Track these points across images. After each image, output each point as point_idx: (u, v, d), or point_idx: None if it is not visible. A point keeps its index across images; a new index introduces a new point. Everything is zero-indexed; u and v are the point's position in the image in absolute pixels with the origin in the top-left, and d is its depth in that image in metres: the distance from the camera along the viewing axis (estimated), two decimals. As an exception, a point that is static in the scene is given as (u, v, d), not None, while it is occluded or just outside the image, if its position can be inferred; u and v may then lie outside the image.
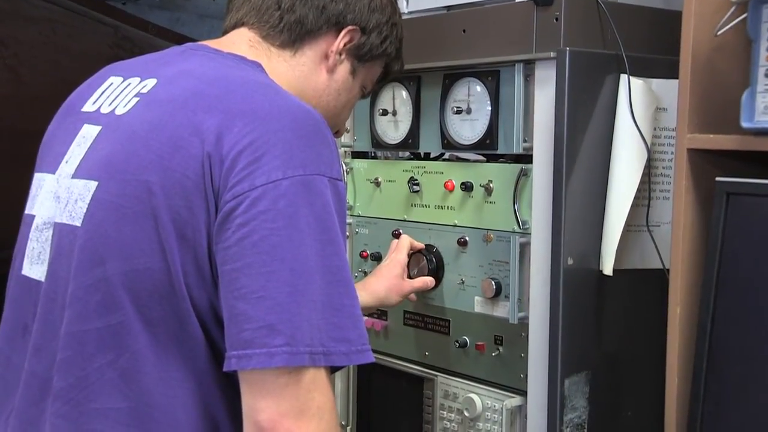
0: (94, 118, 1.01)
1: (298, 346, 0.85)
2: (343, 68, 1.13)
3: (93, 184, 0.94)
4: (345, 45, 1.11)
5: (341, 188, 0.93)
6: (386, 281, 1.36)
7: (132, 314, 0.90)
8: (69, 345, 0.93)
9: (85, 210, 0.94)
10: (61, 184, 0.99)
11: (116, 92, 1.02)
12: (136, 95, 0.98)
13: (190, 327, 0.91)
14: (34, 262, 1.00)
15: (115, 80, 1.05)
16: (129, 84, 1.01)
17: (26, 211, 1.06)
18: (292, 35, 1.08)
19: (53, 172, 1.01)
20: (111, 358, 0.91)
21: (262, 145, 0.88)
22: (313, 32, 1.09)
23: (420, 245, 1.43)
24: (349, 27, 1.11)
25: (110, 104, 1.01)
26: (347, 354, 0.88)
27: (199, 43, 1.09)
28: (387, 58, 1.20)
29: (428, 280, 1.41)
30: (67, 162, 1.00)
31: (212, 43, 1.07)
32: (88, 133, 1.00)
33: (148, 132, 0.93)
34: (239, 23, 1.10)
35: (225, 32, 1.12)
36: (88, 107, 1.04)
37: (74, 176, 0.97)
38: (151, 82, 0.99)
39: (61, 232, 0.97)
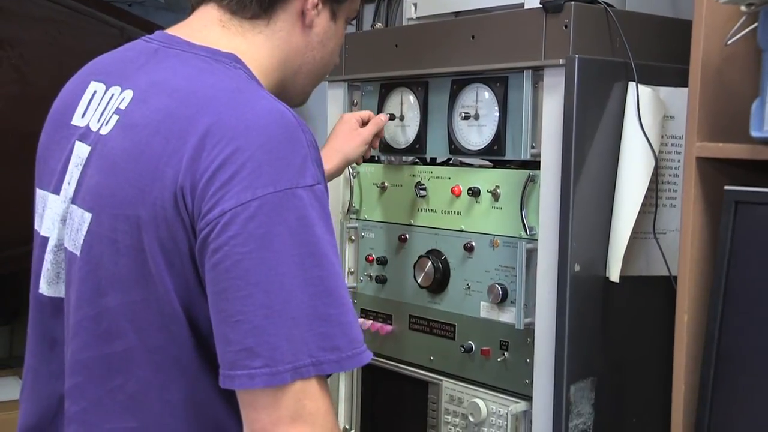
0: (85, 135, 1.00)
1: (278, 365, 0.86)
2: (322, 18, 1.07)
3: (88, 216, 0.95)
4: None
5: (319, 192, 0.91)
6: (342, 135, 1.44)
7: (135, 342, 0.93)
8: (79, 372, 0.96)
9: (82, 241, 0.96)
10: (66, 207, 1.00)
11: (101, 106, 1.01)
12: (115, 111, 0.98)
13: (189, 351, 0.93)
14: (51, 283, 1.03)
15: (97, 88, 1.03)
16: (112, 96, 1.00)
17: (36, 228, 1.06)
18: (263, 5, 1.02)
19: (57, 193, 1.02)
20: (120, 382, 0.94)
21: (231, 166, 0.87)
22: None
23: (367, 112, 1.48)
24: None
25: (98, 120, 1.00)
26: (338, 361, 0.89)
27: (172, 34, 1.03)
28: None
29: (381, 116, 1.48)
30: (69, 183, 1.00)
31: (184, 33, 1.02)
32: (82, 152, 0.99)
33: (127, 162, 0.93)
34: None
35: (192, 8, 1.06)
36: (77, 120, 1.03)
37: (74, 201, 0.99)
38: (128, 95, 0.98)
39: (70, 259, 0.99)
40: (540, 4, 1.28)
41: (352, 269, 1.62)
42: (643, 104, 1.27)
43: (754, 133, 1.09)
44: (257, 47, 1.03)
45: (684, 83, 1.19)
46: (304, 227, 0.88)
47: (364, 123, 1.47)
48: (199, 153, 0.88)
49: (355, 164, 1.53)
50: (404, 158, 1.56)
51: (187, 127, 0.90)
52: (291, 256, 0.87)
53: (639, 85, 1.27)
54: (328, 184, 1.39)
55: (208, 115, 0.90)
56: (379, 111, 1.55)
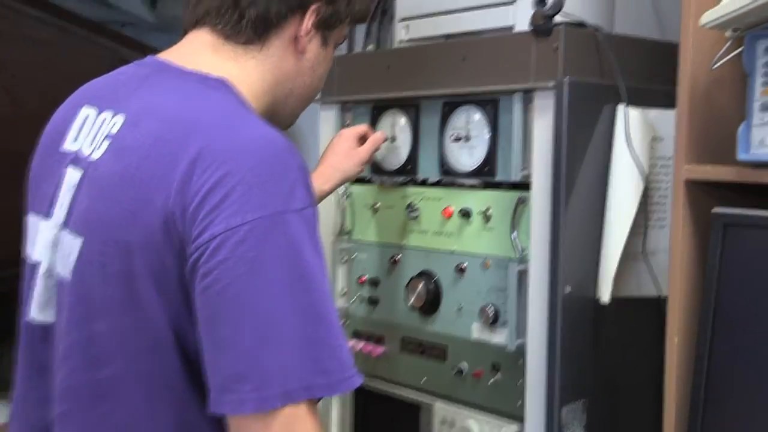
0: (77, 160, 1.00)
1: (268, 390, 0.86)
2: (314, 45, 1.08)
3: (78, 241, 0.95)
4: (312, 24, 1.06)
5: (308, 215, 0.91)
6: (341, 153, 1.45)
7: (124, 367, 0.93)
8: (69, 398, 0.96)
9: (73, 266, 0.96)
10: (58, 232, 1.00)
11: (93, 131, 1.01)
12: (107, 136, 0.98)
13: (179, 376, 0.93)
14: (42, 308, 1.02)
15: (89, 113, 1.03)
16: (104, 120, 1.00)
17: (28, 253, 1.06)
18: (258, 31, 1.03)
19: (48, 218, 1.02)
20: (109, 408, 0.94)
21: (221, 190, 0.88)
22: (278, 24, 1.04)
23: (364, 127, 1.49)
24: (313, 6, 1.05)
25: (90, 145, 1.00)
26: (328, 385, 0.89)
27: (163, 59, 1.03)
28: (357, 15, 1.12)
29: (378, 135, 1.48)
30: (60, 208, 1.00)
31: (176, 57, 1.03)
32: (73, 177, 1.00)
33: (118, 187, 0.93)
34: (200, 22, 1.04)
35: (185, 30, 1.07)
36: (69, 145, 1.03)
37: (65, 226, 0.99)
38: (119, 120, 0.98)
39: (61, 284, 0.99)
40: (530, 27, 1.29)
41: (344, 290, 1.62)
42: (632, 126, 1.28)
43: (741, 156, 1.10)
44: (249, 72, 1.04)
45: (672, 105, 1.20)
46: (293, 251, 0.88)
47: (361, 137, 1.48)
48: (189, 177, 0.89)
49: (347, 187, 1.54)
50: (396, 179, 1.57)
51: (177, 152, 0.91)
52: (280, 281, 0.87)
53: (628, 107, 1.28)
54: (322, 203, 1.41)
55: (199, 140, 0.91)
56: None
